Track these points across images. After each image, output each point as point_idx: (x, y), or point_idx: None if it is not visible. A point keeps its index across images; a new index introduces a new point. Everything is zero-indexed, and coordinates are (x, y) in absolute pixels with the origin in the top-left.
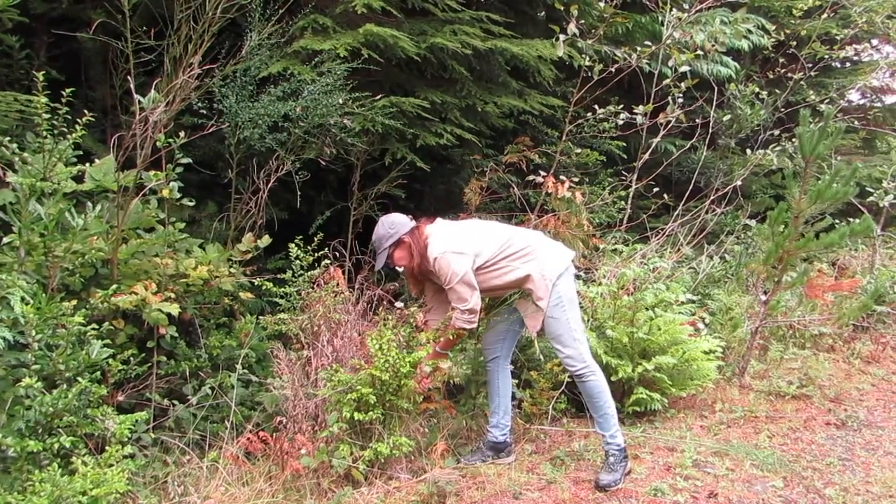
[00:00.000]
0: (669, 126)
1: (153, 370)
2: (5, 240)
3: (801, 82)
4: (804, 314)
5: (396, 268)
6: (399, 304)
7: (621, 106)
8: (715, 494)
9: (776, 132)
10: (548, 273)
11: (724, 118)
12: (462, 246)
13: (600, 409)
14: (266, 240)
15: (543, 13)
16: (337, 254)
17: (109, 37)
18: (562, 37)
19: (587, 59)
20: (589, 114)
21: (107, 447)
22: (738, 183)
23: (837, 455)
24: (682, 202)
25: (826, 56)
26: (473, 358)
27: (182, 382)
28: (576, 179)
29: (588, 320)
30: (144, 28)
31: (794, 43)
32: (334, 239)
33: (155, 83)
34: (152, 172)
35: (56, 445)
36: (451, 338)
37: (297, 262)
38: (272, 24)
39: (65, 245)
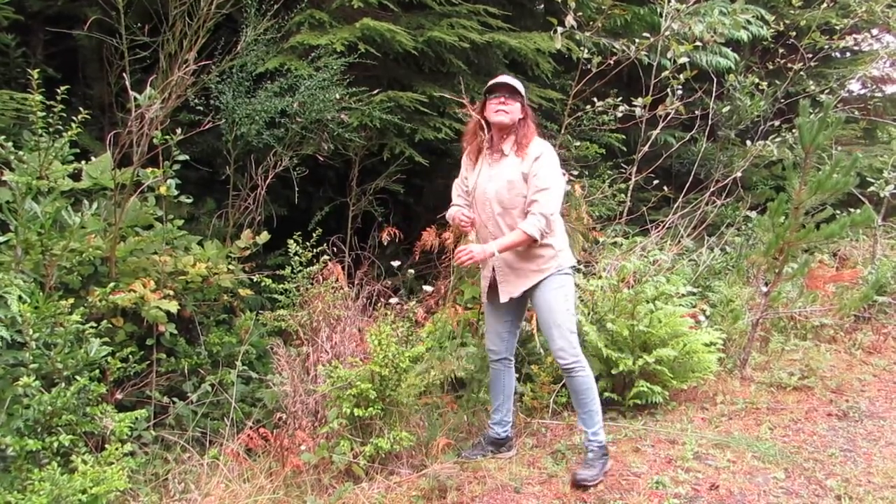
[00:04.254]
0: (669, 118)
1: (153, 368)
2: (2, 238)
3: (801, 73)
4: (805, 305)
5: (496, 119)
6: (395, 301)
7: (620, 98)
8: (716, 486)
9: (776, 123)
10: (563, 260)
11: (724, 109)
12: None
13: (586, 406)
14: (265, 236)
15: (541, 6)
16: (336, 249)
17: (105, 34)
18: (560, 29)
19: (585, 51)
20: (588, 106)
21: (107, 445)
22: (739, 174)
23: (839, 446)
24: (683, 194)
25: (826, 46)
26: (476, 354)
27: (182, 380)
28: (575, 172)
29: (588, 314)
30: (139, 25)
31: (794, 33)
32: (333, 235)
33: (150, 80)
34: (149, 170)
35: (55, 444)
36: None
37: (297, 258)
38: (268, 20)
39: (62, 243)
